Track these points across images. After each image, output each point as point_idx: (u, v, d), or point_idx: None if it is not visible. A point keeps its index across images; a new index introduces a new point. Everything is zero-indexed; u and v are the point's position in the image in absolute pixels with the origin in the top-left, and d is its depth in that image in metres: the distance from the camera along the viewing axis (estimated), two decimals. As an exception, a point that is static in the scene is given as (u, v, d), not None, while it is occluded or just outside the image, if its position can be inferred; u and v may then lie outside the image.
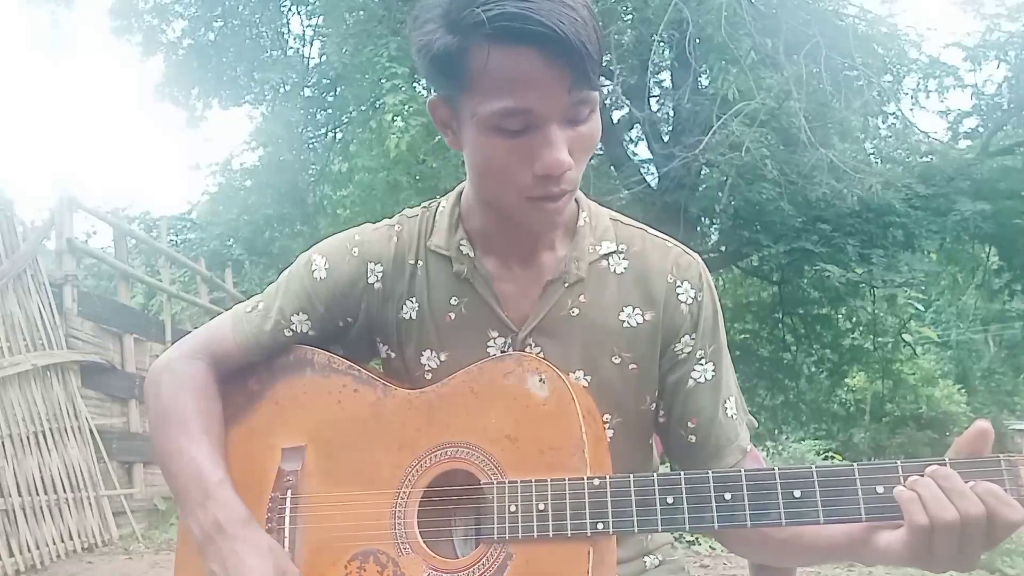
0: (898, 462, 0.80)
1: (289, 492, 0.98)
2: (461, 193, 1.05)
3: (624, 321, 0.99)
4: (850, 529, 0.85)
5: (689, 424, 1.02)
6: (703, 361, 1.02)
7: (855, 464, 0.80)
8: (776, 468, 0.81)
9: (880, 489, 0.80)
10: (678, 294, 1.01)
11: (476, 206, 1.01)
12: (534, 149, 0.85)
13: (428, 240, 1.03)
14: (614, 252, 1.01)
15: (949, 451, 0.81)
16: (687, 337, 1.01)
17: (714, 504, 0.82)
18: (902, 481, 0.79)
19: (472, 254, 1.01)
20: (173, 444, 0.98)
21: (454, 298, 1.01)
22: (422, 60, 0.89)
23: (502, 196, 0.91)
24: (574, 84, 0.83)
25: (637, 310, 1.00)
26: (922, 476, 0.79)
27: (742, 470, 0.83)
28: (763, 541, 0.96)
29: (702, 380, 1.02)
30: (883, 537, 0.83)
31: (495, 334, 1.00)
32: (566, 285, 0.99)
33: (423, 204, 1.09)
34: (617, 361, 0.99)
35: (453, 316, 1.01)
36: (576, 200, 1.04)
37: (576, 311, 0.99)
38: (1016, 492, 0.75)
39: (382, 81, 6.93)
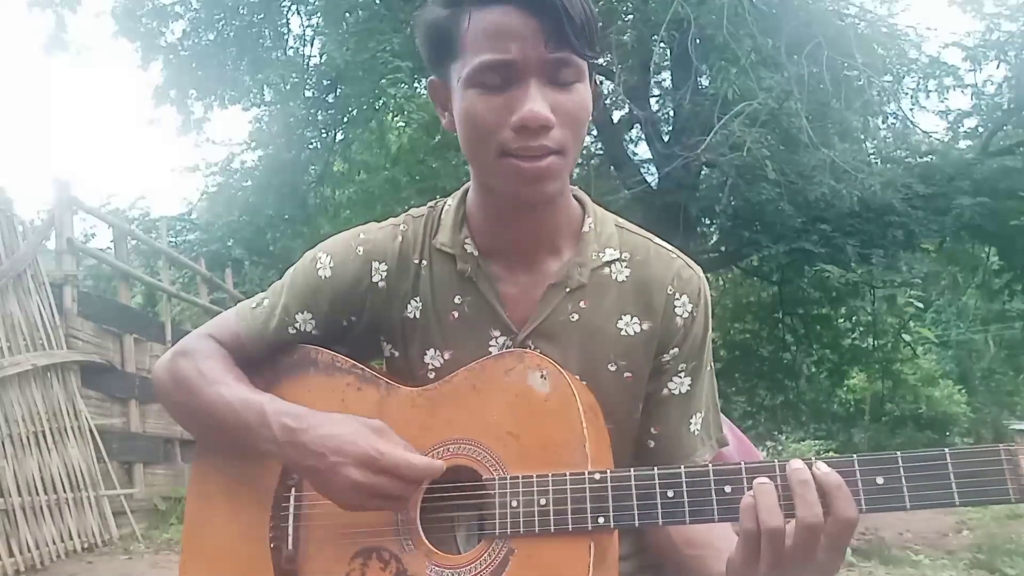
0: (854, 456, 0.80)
1: (293, 490, 0.99)
2: (467, 192, 1.05)
3: (622, 330, 1.00)
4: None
5: (652, 430, 1.04)
6: (682, 374, 1.03)
7: (854, 456, 0.80)
8: (776, 461, 0.82)
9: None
10: (675, 307, 1.01)
11: (481, 205, 1.02)
12: (513, 103, 0.88)
13: (433, 239, 1.04)
14: (617, 260, 1.02)
15: None
16: (675, 349, 1.02)
17: (714, 497, 0.83)
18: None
19: (476, 253, 1.01)
20: (212, 397, 0.99)
21: (458, 296, 1.01)
22: (421, 39, 0.95)
23: (482, 156, 0.92)
24: (551, 40, 0.86)
25: (635, 319, 1.00)
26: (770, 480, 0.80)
27: (742, 463, 0.83)
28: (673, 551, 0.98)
29: (676, 392, 1.03)
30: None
31: (497, 333, 1.00)
32: (567, 290, 0.99)
33: (429, 204, 1.09)
34: (613, 369, 1.00)
35: (457, 315, 1.01)
36: (582, 205, 1.05)
37: (576, 316, 0.99)
38: (1016, 482, 0.75)
39: (383, 81, 6.92)
